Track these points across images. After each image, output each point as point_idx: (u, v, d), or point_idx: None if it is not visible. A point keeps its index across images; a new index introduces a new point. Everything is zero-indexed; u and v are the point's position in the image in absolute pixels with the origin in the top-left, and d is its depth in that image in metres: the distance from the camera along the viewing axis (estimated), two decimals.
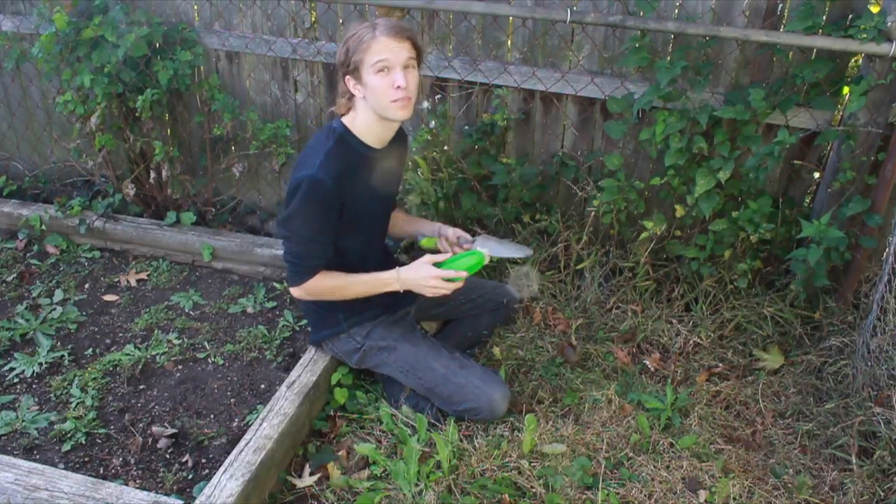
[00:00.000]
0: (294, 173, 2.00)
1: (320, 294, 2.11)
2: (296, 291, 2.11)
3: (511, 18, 2.58)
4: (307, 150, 2.04)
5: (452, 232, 2.26)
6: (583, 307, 2.68)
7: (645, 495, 1.96)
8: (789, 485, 2.02)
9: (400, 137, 2.19)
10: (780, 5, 2.31)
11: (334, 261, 2.08)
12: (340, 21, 2.76)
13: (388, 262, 2.21)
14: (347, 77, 1.96)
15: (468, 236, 2.22)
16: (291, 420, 2.04)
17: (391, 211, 2.32)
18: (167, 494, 1.97)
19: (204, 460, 2.12)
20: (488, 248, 2.13)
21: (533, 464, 2.04)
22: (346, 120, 2.04)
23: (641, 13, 2.31)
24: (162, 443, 2.16)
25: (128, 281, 2.94)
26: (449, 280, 2.05)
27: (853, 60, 2.39)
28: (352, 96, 2.00)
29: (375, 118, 2.00)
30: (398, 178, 2.28)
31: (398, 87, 1.90)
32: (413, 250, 2.88)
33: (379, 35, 1.88)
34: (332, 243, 2.05)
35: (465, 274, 2.06)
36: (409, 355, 2.17)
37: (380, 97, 1.93)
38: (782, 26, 2.33)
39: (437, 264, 2.06)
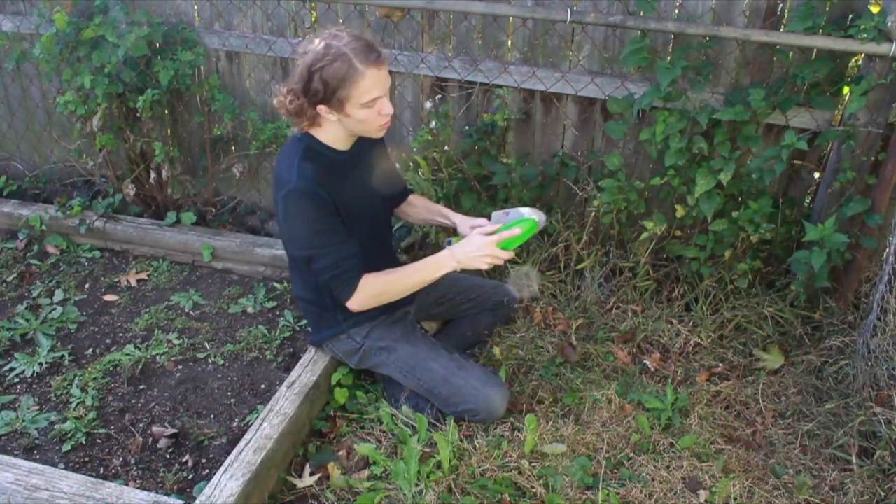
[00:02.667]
0: (275, 193, 1.93)
1: (377, 296, 2.01)
2: (353, 304, 2.00)
3: (511, 18, 2.58)
4: (279, 166, 1.96)
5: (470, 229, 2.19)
6: (583, 307, 2.68)
7: (645, 495, 1.96)
8: (789, 485, 2.02)
9: None
10: (780, 5, 2.31)
11: None
12: (340, 21, 2.76)
13: (394, 264, 2.15)
14: (320, 106, 1.85)
15: (484, 221, 2.17)
16: (291, 420, 2.04)
17: (390, 210, 2.32)
18: (167, 494, 1.97)
19: (204, 460, 2.12)
20: (528, 213, 2.04)
21: (533, 464, 2.04)
22: (311, 131, 1.97)
23: (641, 13, 2.31)
24: (162, 443, 2.16)
25: (128, 281, 2.94)
26: (506, 256, 1.97)
27: (853, 60, 2.39)
28: (317, 116, 1.91)
29: (346, 133, 1.96)
30: (388, 176, 2.23)
31: (387, 114, 1.89)
32: (413, 250, 2.88)
33: (362, 68, 1.78)
34: (351, 239, 1.97)
35: (518, 232, 1.98)
36: (408, 356, 2.17)
37: (367, 125, 1.90)
38: (782, 26, 2.34)
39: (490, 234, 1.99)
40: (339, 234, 1.95)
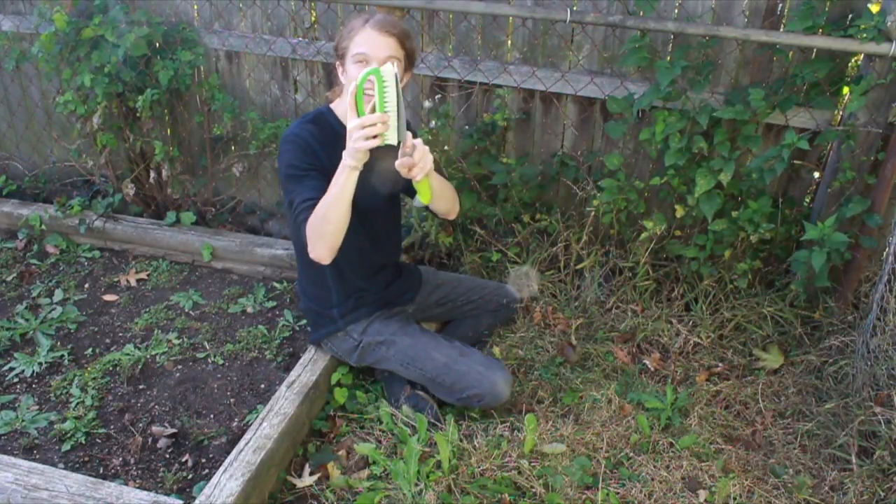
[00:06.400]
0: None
1: (315, 229, 1.88)
2: (310, 252, 1.91)
3: (511, 18, 2.58)
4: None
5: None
6: (583, 307, 2.68)
7: (645, 495, 1.96)
8: (789, 484, 2.02)
9: None
10: (780, 5, 2.31)
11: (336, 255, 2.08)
12: (340, 21, 2.76)
13: (397, 256, 2.18)
14: (338, 63, 2.01)
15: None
16: (291, 420, 2.04)
17: (389, 209, 2.30)
18: (167, 494, 1.97)
19: (204, 460, 2.12)
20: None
21: (533, 463, 2.04)
22: (331, 105, 2.11)
23: (641, 13, 2.31)
24: (162, 442, 2.16)
25: (128, 281, 2.94)
26: (367, 120, 1.74)
27: (853, 60, 2.39)
28: (337, 79, 2.06)
29: None
30: (393, 176, 2.22)
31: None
32: (412, 250, 2.88)
33: (367, 27, 1.92)
34: (322, 185, 1.90)
35: (353, 88, 1.75)
36: (408, 347, 2.17)
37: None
38: (782, 26, 2.34)
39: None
40: (310, 181, 1.94)
